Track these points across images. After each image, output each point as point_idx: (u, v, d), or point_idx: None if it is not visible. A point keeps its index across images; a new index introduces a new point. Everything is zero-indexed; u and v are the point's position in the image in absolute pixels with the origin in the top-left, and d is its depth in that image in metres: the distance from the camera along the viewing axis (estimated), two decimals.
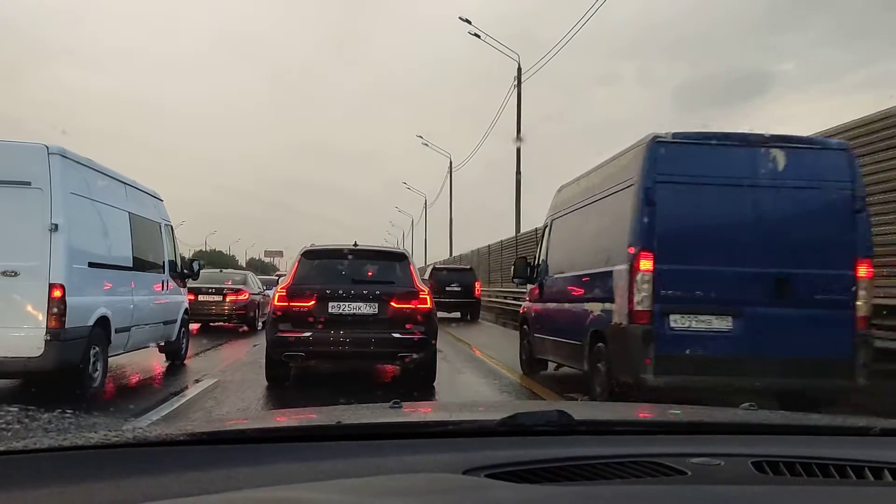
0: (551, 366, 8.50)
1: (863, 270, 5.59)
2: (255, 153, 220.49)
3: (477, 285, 20.20)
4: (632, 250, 5.67)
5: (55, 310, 6.01)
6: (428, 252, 53.83)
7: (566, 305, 7.50)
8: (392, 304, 7.27)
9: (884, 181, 6.72)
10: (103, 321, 6.86)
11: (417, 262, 24.75)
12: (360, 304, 7.23)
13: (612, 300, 6.04)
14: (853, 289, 5.55)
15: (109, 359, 7.21)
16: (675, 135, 5.75)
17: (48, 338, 5.97)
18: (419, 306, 7.33)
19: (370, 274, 7.71)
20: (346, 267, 7.73)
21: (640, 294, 5.60)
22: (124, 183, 7.99)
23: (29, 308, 6.03)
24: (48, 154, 6.19)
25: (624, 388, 5.81)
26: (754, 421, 1.51)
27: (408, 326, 7.20)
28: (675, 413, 2.00)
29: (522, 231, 22.56)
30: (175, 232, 10.09)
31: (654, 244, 5.59)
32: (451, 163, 40.19)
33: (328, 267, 7.75)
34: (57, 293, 6.03)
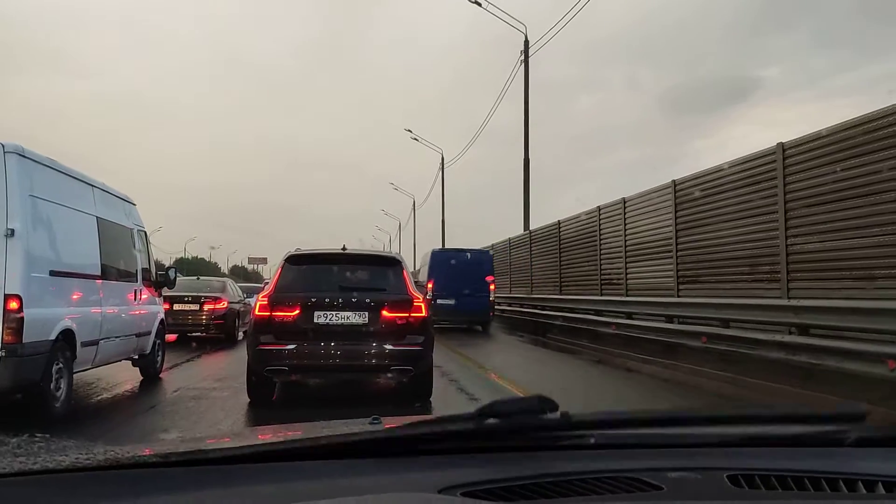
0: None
1: (492, 285, 19.49)
2: (233, 157, 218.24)
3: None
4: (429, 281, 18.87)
5: (11, 323, 5.51)
6: (417, 256, 53.15)
7: None
8: (384, 313, 6.69)
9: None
10: (67, 334, 6.32)
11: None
12: (349, 313, 6.65)
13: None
14: (487, 289, 19.33)
15: (76, 375, 6.67)
16: (438, 250, 21.06)
17: (3, 354, 5.48)
18: (413, 315, 6.76)
19: (360, 281, 7.15)
20: (333, 273, 7.14)
21: (428, 292, 16.84)
22: (92, 185, 7.42)
23: None
24: (4, 153, 5.68)
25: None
26: (732, 433, 1.51)
27: (401, 337, 6.66)
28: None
29: (538, 225, 20.55)
30: (150, 238, 9.56)
31: (433, 276, 19.21)
32: (442, 158, 39.27)
33: (314, 273, 7.10)
34: (13, 305, 5.53)
